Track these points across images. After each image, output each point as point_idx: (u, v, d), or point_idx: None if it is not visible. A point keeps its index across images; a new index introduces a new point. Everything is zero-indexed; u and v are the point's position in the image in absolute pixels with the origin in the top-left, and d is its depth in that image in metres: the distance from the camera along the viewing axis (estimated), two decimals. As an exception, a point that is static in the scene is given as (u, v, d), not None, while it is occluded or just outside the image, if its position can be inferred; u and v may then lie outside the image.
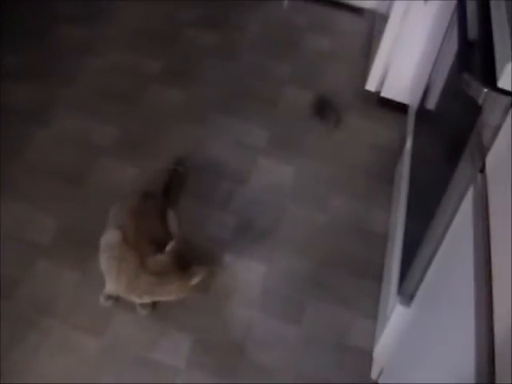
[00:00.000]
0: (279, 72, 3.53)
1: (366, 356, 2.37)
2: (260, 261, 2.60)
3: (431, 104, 2.69)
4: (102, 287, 2.36)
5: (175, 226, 2.28)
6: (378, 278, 2.60)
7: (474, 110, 1.71)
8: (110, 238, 2.27)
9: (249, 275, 2.55)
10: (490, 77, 1.65)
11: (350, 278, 2.61)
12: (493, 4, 1.95)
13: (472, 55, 1.82)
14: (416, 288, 2.06)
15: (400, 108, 3.26)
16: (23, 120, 2.98)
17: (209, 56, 3.55)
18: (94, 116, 3.06)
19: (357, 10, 4.10)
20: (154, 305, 2.40)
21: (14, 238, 2.52)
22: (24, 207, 2.63)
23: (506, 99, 1.60)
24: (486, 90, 1.62)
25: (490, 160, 1.66)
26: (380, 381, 2.31)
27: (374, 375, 2.33)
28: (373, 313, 2.49)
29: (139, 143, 2.98)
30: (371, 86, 3.33)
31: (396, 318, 2.17)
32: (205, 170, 2.89)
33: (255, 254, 2.62)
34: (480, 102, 1.65)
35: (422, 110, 2.88)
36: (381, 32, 3.32)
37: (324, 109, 3.25)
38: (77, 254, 2.48)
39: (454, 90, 2.20)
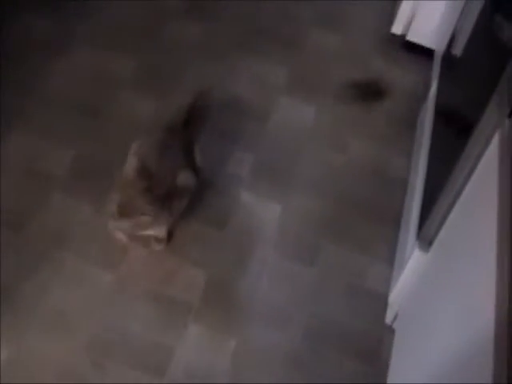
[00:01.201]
0: (303, 13, 3.45)
1: (381, 300, 2.36)
2: (277, 200, 2.59)
3: (458, 49, 2.64)
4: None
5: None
6: (396, 223, 2.57)
7: (505, 54, 1.67)
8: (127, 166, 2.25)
9: (265, 214, 2.54)
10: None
11: (368, 222, 2.59)
12: None
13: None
14: (436, 233, 2.04)
15: (425, 52, 3.19)
16: (39, 52, 2.94)
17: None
18: (112, 49, 3.00)
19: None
20: (169, 239, 2.39)
21: (29, 171, 2.51)
22: (39, 140, 2.60)
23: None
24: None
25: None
26: (394, 326, 2.30)
27: (388, 320, 2.32)
28: (389, 257, 2.47)
29: (159, 77, 2.93)
30: (397, 28, 3.26)
31: (414, 263, 2.15)
32: (224, 106, 2.84)
33: (272, 193, 2.61)
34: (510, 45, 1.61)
35: (448, 55, 2.83)
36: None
37: None
38: (93, 187, 2.47)
39: (483, 35, 2.16)
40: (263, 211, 2.54)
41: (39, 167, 2.53)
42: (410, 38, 3.24)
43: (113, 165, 2.41)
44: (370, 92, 3.10)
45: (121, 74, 2.91)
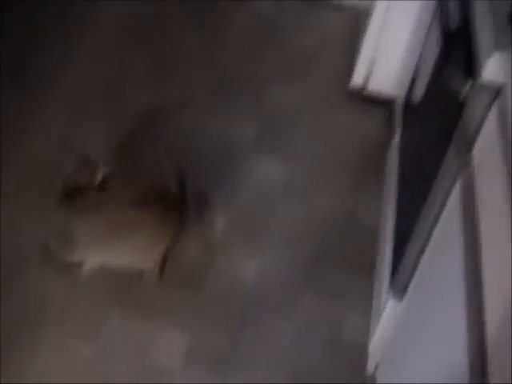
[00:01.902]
0: (263, 70, 3.53)
1: (361, 350, 2.37)
2: (251, 255, 2.62)
3: (418, 96, 2.70)
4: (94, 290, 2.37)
5: None
6: (370, 271, 2.60)
7: (459, 103, 1.72)
8: None
9: (241, 272, 2.56)
10: (473, 70, 1.66)
11: (343, 272, 2.62)
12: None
13: (455, 48, 1.84)
14: (408, 281, 2.07)
15: (387, 101, 3.26)
16: None
17: (191, 55, 3.55)
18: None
19: (339, 7, 4.10)
20: (162, 271, 2.46)
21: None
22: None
23: (489, 92, 1.61)
24: (469, 83, 1.63)
25: (477, 153, 1.67)
26: (376, 375, 2.32)
27: (369, 369, 2.34)
28: (366, 307, 2.49)
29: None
30: (357, 80, 3.33)
31: (389, 311, 2.18)
32: (193, 165, 2.88)
33: (247, 251, 2.64)
34: (464, 95, 1.66)
35: (408, 103, 2.89)
36: (365, 27, 3.33)
37: None
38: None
39: (439, 83, 2.21)
40: (238, 272, 2.57)
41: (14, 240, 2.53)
42: (371, 88, 3.31)
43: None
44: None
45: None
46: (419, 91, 2.68)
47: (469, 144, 1.70)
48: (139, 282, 2.44)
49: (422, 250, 1.98)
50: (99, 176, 2.47)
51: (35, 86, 3.13)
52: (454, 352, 1.42)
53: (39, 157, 2.84)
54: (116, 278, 2.44)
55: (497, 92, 1.60)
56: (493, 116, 1.61)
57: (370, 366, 2.34)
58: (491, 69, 1.59)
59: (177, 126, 3.09)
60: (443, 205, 1.85)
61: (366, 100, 3.35)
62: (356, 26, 3.81)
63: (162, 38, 3.63)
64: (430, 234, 1.94)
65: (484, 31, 1.74)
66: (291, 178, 2.96)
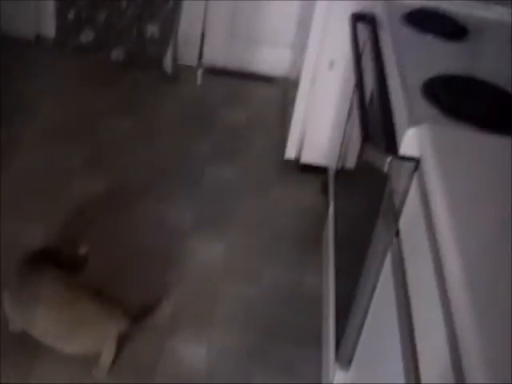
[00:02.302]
0: (199, 151, 3.59)
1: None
2: (200, 344, 2.61)
3: (350, 165, 2.77)
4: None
5: None
6: (317, 343, 2.62)
7: (383, 175, 1.78)
8: None
9: (191, 359, 2.55)
10: (391, 145, 1.72)
11: (291, 346, 2.64)
12: (388, 70, 2.04)
13: (374, 124, 1.90)
14: (352, 352, 2.11)
15: (321, 172, 3.33)
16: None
17: (127, 143, 3.58)
18: (19, 216, 3.02)
19: (269, 80, 4.21)
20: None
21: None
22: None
23: (409, 165, 1.68)
24: (389, 158, 1.69)
25: (403, 224, 1.72)
26: None
27: None
28: (316, 379, 2.51)
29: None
30: (290, 153, 3.41)
31: (338, 382, 2.20)
32: (132, 255, 2.90)
33: (194, 337, 2.63)
34: (385, 169, 1.72)
35: (340, 173, 2.96)
36: (293, 99, 3.41)
37: None
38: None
39: (363, 154, 2.29)
40: (189, 357, 2.56)
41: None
42: (304, 159, 3.38)
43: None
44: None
45: (31, 241, 2.92)
46: (349, 161, 2.75)
47: (395, 215, 1.75)
48: (93, 369, 2.44)
49: (363, 320, 2.02)
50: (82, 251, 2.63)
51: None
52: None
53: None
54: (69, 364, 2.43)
55: (416, 165, 1.66)
56: (414, 188, 1.66)
57: None
58: (408, 144, 1.66)
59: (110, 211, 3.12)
60: (378, 275, 1.89)
61: (301, 171, 3.43)
62: (286, 97, 3.91)
63: (96, 129, 3.68)
64: (368, 304, 1.98)
65: (398, 106, 1.82)
66: (232, 255, 2.99)
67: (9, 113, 3.69)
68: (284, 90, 4.05)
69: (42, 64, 4.19)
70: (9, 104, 3.75)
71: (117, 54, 4.19)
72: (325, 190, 3.18)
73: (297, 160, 3.41)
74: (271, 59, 4.20)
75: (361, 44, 2.45)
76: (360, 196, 2.45)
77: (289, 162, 3.44)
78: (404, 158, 1.68)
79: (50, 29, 4.29)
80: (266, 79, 4.22)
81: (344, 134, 2.92)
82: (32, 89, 3.91)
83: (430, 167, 1.52)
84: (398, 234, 1.74)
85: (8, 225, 2.99)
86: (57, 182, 3.26)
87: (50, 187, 3.23)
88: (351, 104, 2.87)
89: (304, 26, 3.53)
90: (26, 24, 4.27)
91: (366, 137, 1.81)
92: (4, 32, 4.19)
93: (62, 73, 4.12)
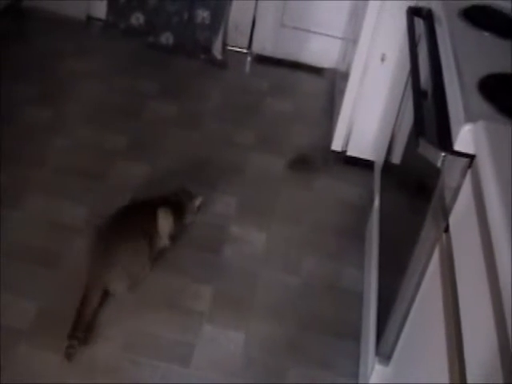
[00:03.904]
0: (244, 139, 3.59)
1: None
2: (239, 329, 2.61)
3: (396, 160, 2.75)
4: (84, 365, 2.39)
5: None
6: (356, 336, 2.61)
7: (435, 171, 1.76)
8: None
9: (229, 345, 2.56)
10: (446, 140, 1.70)
11: (329, 339, 2.63)
12: (444, 65, 2.01)
13: (428, 118, 1.88)
14: (393, 347, 2.09)
15: (367, 165, 3.32)
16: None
17: (172, 127, 3.59)
18: (63, 196, 3.06)
19: (317, 70, 4.19)
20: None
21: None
22: (2, 292, 2.60)
23: (463, 161, 1.65)
24: (443, 154, 1.67)
25: (453, 220, 1.70)
26: None
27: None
28: (354, 372, 2.50)
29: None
30: (337, 145, 3.39)
31: (376, 377, 2.19)
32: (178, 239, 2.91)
33: (234, 322, 2.63)
34: (438, 165, 1.70)
35: (387, 167, 2.94)
36: (342, 91, 3.40)
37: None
38: (58, 337, 2.46)
39: (414, 149, 2.26)
40: (226, 342, 2.56)
41: (3, 321, 2.52)
42: (350, 153, 3.37)
43: (73, 312, 2.45)
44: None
45: (74, 220, 2.95)
46: (397, 156, 2.73)
47: (445, 211, 1.73)
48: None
49: (406, 316, 2.00)
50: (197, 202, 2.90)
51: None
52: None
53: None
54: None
55: (470, 161, 1.64)
56: (467, 184, 1.64)
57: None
58: (463, 140, 1.64)
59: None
60: (424, 270, 1.87)
61: (347, 164, 3.41)
62: (334, 88, 3.89)
63: (141, 112, 3.70)
64: (413, 300, 1.96)
65: (454, 101, 1.79)
66: (274, 244, 2.98)
67: (56, 92, 3.72)
68: (332, 81, 4.03)
69: (91, 45, 4.21)
70: (57, 83, 3.78)
71: (166, 37, 4.20)
72: (370, 184, 3.16)
73: (343, 152, 3.40)
74: (320, 50, 4.18)
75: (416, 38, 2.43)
76: (407, 191, 2.43)
77: (335, 153, 3.42)
78: (458, 154, 1.65)
79: (101, 10, 4.31)
80: (314, 70, 4.20)
81: (394, 128, 2.89)
82: (81, 69, 3.94)
83: (486, 165, 1.50)
84: (447, 230, 1.72)
85: (51, 202, 3.02)
86: (100, 162, 3.29)
87: (93, 167, 3.25)
88: (402, 98, 2.84)
89: (356, 17, 3.51)
90: (78, 5, 4.30)
91: (421, 131, 1.79)
92: (56, 12, 4.23)
93: (111, 54, 4.15)
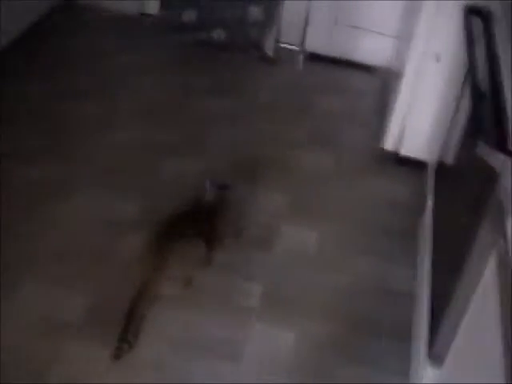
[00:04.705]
0: (294, 136, 3.58)
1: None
2: (289, 328, 2.60)
3: (450, 160, 2.72)
4: (134, 361, 2.41)
5: None
6: (406, 337, 2.59)
7: (492, 174, 1.74)
8: None
9: (279, 343, 2.56)
10: (505, 142, 1.68)
11: (379, 339, 2.61)
12: (503, 65, 1.99)
13: (486, 119, 1.86)
14: (446, 350, 2.07)
15: (419, 165, 3.29)
16: (43, 200, 3.00)
17: (224, 124, 3.61)
18: (113, 191, 3.09)
19: (369, 69, 4.16)
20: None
21: (42, 320, 2.52)
22: (53, 288, 2.64)
23: (522, 164, 1.63)
24: (502, 157, 1.65)
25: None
26: None
27: None
28: (404, 372, 2.48)
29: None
30: (388, 144, 3.36)
31: (428, 379, 2.17)
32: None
33: (284, 322, 2.63)
34: (497, 167, 1.68)
35: (441, 167, 2.91)
36: (394, 90, 3.37)
37: None
38: (107, 333, 2.48)
39: (471, 150, 2.24)
40: (277, 341, 2.57)
41: (53, 316, 2.54)
42: (402, 152, 3.34)
43: (124, 309, 2.47)
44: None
45: (124, 216, 2.97)
46: (451, 156, 2.70)
47: (503, 215, 1.71)
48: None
49: (460, 319, 1.98)
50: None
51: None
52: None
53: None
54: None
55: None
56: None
57: None
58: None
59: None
60: (480, 274, 1.85)
61: (399, 163, 3.38)
62: (387, 87, 3.86)
63: (192, 109, 3.71)
64: (468, 303, 1.94)
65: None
66: (324, 244, 2.97)
67: (108, 87, 3.75)
68: (384, 80, 4.00)
69: (144, 41, 4.24)
70: (109, 79, 3.81)
71: (218, 34, 4.20)
72: (422, 185, 3.12)
73: (394, 152, 3.37)
74: (373, 48, 4.14)
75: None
76: (462, 193, 2.40)
77: (386, 153, 3.40)
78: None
79: (153, 6, 4.34)
80: (366, 68, 4.17)
81: (449, 129, 2.86)
82: (133, 65, 3.97)
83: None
84: (505, 234, 1.70)
85: (102, 198, 3.04)
86: (151, 158, 3.32)
87: (144, 163, 3.27)
88: (458, 99, 2.82)
89: (410, 16, 3.48)
90: (131, 1, 4.32)
91: (480, 133, 1.76)
92: (109, 8, 4.26)
93: (163, 50, 4.18)
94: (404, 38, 3.55)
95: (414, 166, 3.33)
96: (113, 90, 3.76)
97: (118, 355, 2.41)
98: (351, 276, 2.84)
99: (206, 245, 2.70)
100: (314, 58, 4.24)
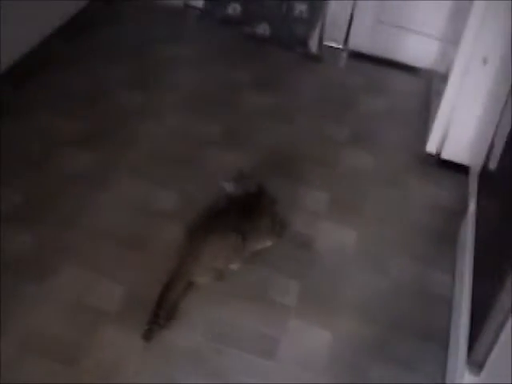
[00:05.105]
0: (336, 134, 3.56)
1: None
2: (326, 327, 2.59)
3: (495, 165, 2.69)
4: (168, 349, 2.42)
5: None
6: (443, 341, 2.58)
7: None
8: None
9: (315, 341, 2.55)
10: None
11: (415, 342, 2.59)
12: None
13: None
14: (486, 357, 2.05)
15: (461, 169, 3.27)
16: (84, 185, 3.02)
17: (265, 119, 3.60)
18: (155, 180, 3.09)
19: (413, 70, 4.13)
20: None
21: (81, 305, 2.53)
22: (90, 273, 2.65)
23: None
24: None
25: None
26: None
27: None
28: (439, 377, 2.47)
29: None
30: (431, 147, 3.33)
31: (466, 385, 2.16)
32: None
33: (321, 319, 2.62)
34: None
35: (485, 172, 2.88)
36: (439, 92, 3.35)
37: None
38: (143, 321, 2.48)
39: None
40: (312, 338, 2.56)
41: (89, 301, 2.55)
42: (445, 155, 3.31)
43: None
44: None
45: (163, 205, 2.98)
46: (497, 160, 2.68)
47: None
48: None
49: (502, 326, 1.96)
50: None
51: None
52: None
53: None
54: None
55: None
56: None
57: None
58: None
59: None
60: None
61: (441, 166, 3.36)
62: (430, 89, 3.84)
63: (234, 102, 3.72)
64: (509, 312, 1.92)
65: None
66: (363, 243, 2.96)
67: (150, 77, 3.76)
68: (428, 81, 3.97)
69: (187, 33, 4.25)
70: (151, 69, 3.82)
71: (263, 28, 4.19)
72: (465, 189, 3.10)
73: (437, 155, 3.34)
74: (417, 49, 4.12)
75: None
76: (506, 199, 2.38)
77: (428, 155, 3.37)
78: None
79: (198, -2, 4.35)
80: (410, 69, 4.14)
81: (494, 133, 2.83)
82: (176, 56, 3.98)
83: None
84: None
85: (141, 187, 3.05)
86: (191, 150, 3.32)
87: (184, 154, 3.28)
88: (504, 103, 2.79)
89: (457, 17, 3.45)
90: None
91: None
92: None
93: (207, 43, 4.18)
94: (450, 39, 3.52)
95: (457, 169, 3.30)
96: (155, 81, 3.76)
97: (147, 336, 2.42)
98: (389, 277, 2.82)
99: (243, 238, 2.69)
100: (357, 56, 4.22)
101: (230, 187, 2.80)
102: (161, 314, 2.46)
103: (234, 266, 2.71)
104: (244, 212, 2.73)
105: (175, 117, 3.52)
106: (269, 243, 2.83)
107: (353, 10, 4.14)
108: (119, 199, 2.98)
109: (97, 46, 3.92)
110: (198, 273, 2.62)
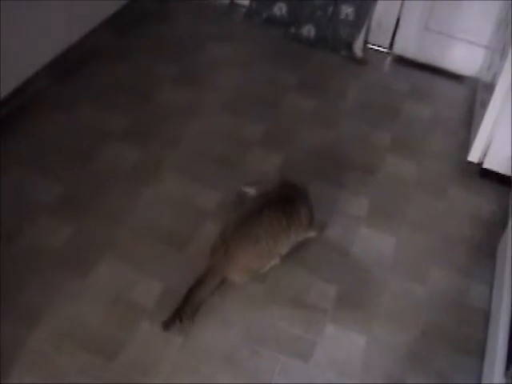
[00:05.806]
0: (379, 140, 3.56)
1: None
2: (361, 333, 2.60)
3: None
4: (205, 348, 2.44)
5: None
6: (479, 354, 2.57)
7: None
8: None
9: (350, 346, 2.55)
10: None
11: (451, 353, 2.58)
12: None
13: None
14: (524, 371, 2.05)
15: (503, 180, 3.25)
16: (127, 181, 3.04)
17: (308, 122, 3.60)
18: (197, 179, 3.11)
19: (457, 77, 4.12)
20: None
21: (120, 300, 2.56)
22: (129, 269, 2.67)
23: None
24: None
25: None
26: None
27: None
28: (475, 390, 2.47)
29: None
30: (474, 156, 3.32)
31: (502, 399, 2.15)
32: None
33: (356, 325, 2.62)
34: None
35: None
36: (483, 101, 3.33)
37: None
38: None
39: None
40: (347, 344, 2.56)
41: (129, 296, 2.57)
42: (487, 165, 3.29)
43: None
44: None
45: (205, 204, 2.99)
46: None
47: None
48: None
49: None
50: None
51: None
52: None
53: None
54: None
55: None
56: None
57: None
58: None
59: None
60: None
61: (482, 176, 3.34)
62: (475, 98, 3.82)
63: (278, 103, 3.72)
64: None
65: None
66: (402, 251, 2.95)
67: (196, 75, 3.78)
68: (472, 90, 3.95)
69: (233, 31, 4.27)
70: (197, 66, 3.84)
71: (308, 30, 4.19)
72: (506, 201, 3.08)
73: (479, 165, 3.33)
74: (463, 57, 4.10)
75: None
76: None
77: (470, 165, 3.36)
78: None
79: (244, -4, 4.36)
80: (455, 77, 4.13)
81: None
82: (221, 54, 3.99)
83: None
84: None
85: (183, 184, 3.07)
86: (234, 149, 3.33)
87: (227, 153, 3.29)
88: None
89: (506, 27, 3.43)
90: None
91: None
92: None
93: (252, 42, 4.19)
94: (497, 49, 3.50)
95: (499, 179, 3.29)
96: (200, 78, 3.78)
97: (166, 325, 2.45)
98: (427, 286, 2.82)
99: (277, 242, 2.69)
100: (403, 61, 4.21)
101: (251, 191, 2.84)
102: (186, 308, 2.47)
103: (273, 262, 2.72)
104: (278, 207, 2.71)
105: (219, 116, 3.53)
106: (312, 233, 2.86)
107: (400, 14, 4.13)
108: (162, 196, 3.00)
109: (146, 41, 3.94)
110: (232, 272, 2.62)
